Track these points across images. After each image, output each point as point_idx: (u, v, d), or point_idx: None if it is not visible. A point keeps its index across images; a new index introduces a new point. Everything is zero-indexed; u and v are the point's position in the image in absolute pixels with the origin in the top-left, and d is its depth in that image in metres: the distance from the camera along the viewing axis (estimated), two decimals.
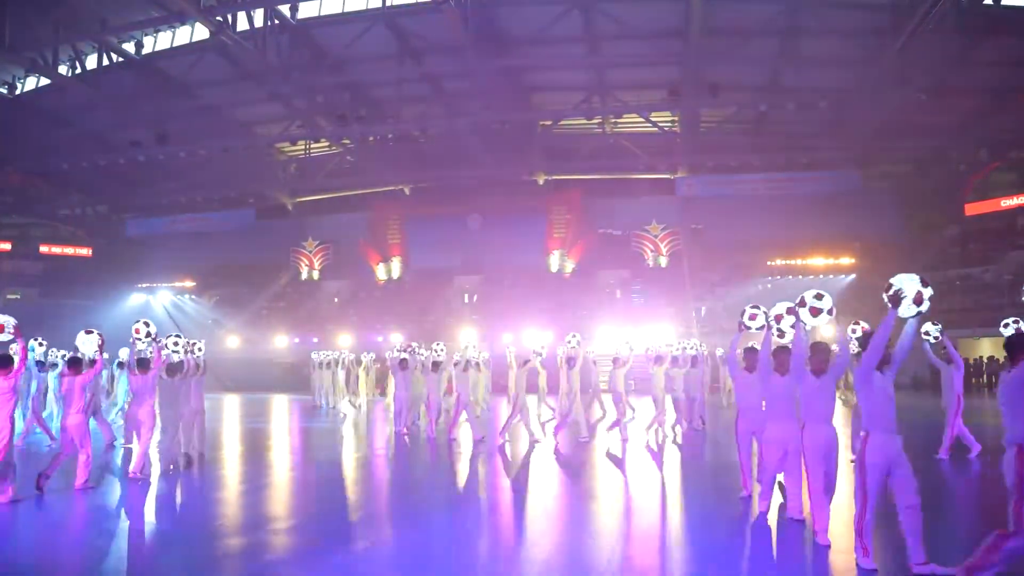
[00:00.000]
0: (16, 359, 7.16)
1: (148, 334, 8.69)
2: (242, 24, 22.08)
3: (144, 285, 34.77)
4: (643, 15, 22.45)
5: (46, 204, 35.89)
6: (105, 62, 24.55)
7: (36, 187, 34.02)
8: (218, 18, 20.71)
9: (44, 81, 27.28)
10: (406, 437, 12.82)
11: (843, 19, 21.65)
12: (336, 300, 33.56)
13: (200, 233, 36.00)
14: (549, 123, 29.32)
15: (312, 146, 32.34)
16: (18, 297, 32.81)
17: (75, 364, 8.34)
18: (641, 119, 28.74)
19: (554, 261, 33.56)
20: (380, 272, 35.14)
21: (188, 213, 37.00)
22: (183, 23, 22.94)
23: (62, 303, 32.27)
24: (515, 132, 30.55)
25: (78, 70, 25.00)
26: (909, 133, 28.41)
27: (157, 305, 33.50)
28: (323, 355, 20.61)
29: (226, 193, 35.60)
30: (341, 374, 20.52)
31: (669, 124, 29.93)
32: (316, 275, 35.51)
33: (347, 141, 31.01)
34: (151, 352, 8.76)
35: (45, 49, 22.99)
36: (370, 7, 23.42)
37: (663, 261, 32.28)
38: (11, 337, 7.27)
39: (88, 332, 8.70)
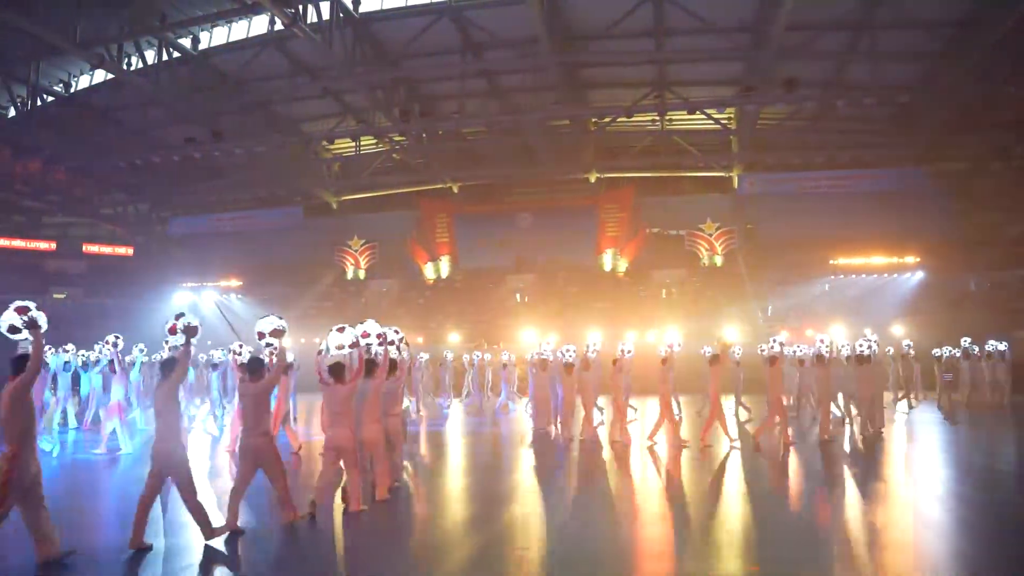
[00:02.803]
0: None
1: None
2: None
3: (189, 284, 34.33)
4: (715, 8, 21.95)
5: (88, 203, 35.58)
6: (164, 57, 24.25)
7: (81, 185, 33.68)
8: (290, 10, 20.33)
9: (97, 79, 27.02)
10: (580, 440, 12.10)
11: (924, 10, 21.13)
12: (385, 300, 33.04)
13: (245, 232, 35.65)
14: (607, 120, 28.77)
15: (362, 143, 31.92)
16: (64, 297, 32.46)
17: (373, 366, 7.59)
18: (697, 116, 28.13)
19: (607, 260, 32.97)
20: (428, 271, 34.60)
21: (231, 211, 36.71)
22: (255, 15, 22.64)
23: (106, 303, 31.91)
24: (568, 129, 30.16)
25: (134, 66, 24.61)
26: (975, 128, 27.79)
27: (204, 304, 33.07)
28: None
29: (272, 191, 35.25)
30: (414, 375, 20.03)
31: (726, 120, 29.41)
32: (362, 274, 35.00)
33: (400, 138, 30.61)
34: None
35: (111, 45, 22.66)
36: (435, 0, 23.00)
37: (718, 260, 31.63)
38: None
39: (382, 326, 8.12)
